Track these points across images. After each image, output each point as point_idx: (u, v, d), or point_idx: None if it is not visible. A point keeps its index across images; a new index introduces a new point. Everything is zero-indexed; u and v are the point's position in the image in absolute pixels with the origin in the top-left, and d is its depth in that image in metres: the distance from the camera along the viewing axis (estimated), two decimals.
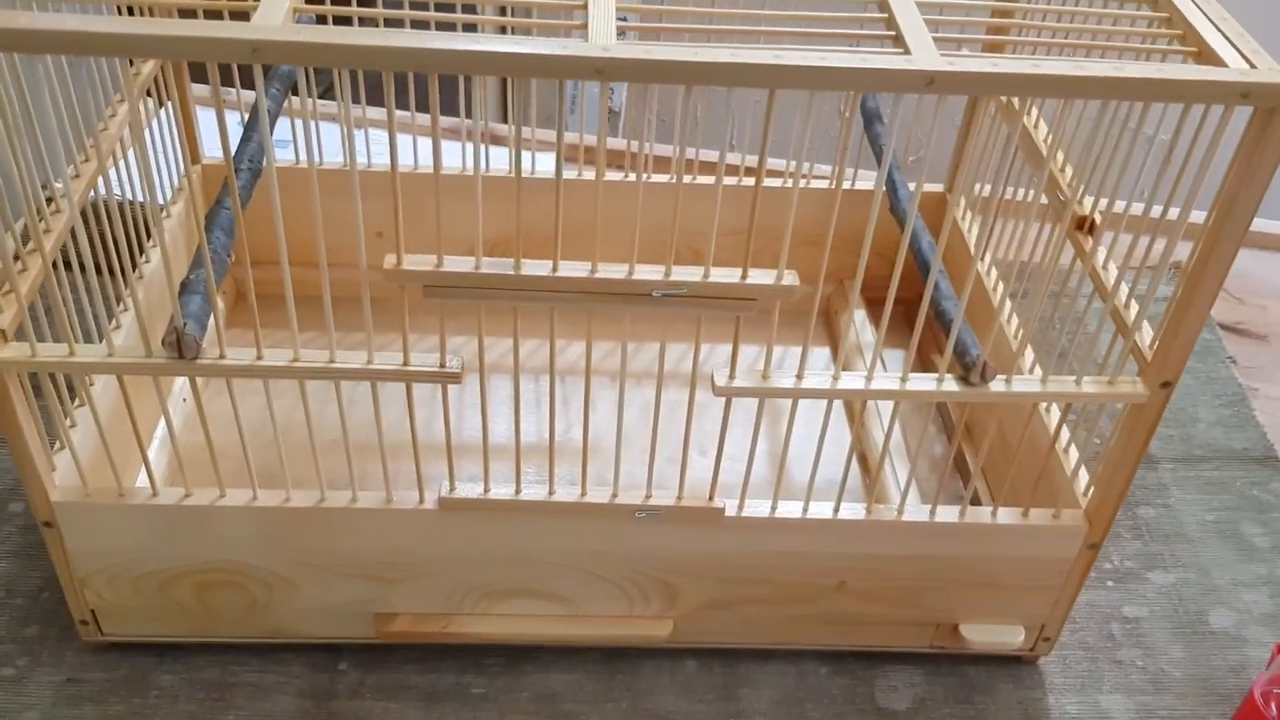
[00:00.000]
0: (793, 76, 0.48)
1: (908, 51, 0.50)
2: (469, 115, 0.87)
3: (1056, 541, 0.67)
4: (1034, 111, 0.75)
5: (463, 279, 0.54)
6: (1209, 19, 0.54)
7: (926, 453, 0.85)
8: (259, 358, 0.57)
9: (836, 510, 0.65)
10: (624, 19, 0.58)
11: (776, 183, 0.88)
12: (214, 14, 0.56)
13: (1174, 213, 0.56)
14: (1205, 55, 0.52)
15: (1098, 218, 0.66)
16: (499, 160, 1.01)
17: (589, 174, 0.91)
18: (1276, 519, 0.85)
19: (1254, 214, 0.52)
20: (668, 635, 0.70)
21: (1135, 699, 0.72)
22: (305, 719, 0.68)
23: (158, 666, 0.70)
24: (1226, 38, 0.52)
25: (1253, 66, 0.50)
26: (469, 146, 0.88)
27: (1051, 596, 0.69)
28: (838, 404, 0.86)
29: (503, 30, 0.54)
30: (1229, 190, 0.52)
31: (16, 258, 0.58)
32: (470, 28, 0.53)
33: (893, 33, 0.52)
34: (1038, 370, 0.73)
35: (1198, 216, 0.55)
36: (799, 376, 0.59)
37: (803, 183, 0.88)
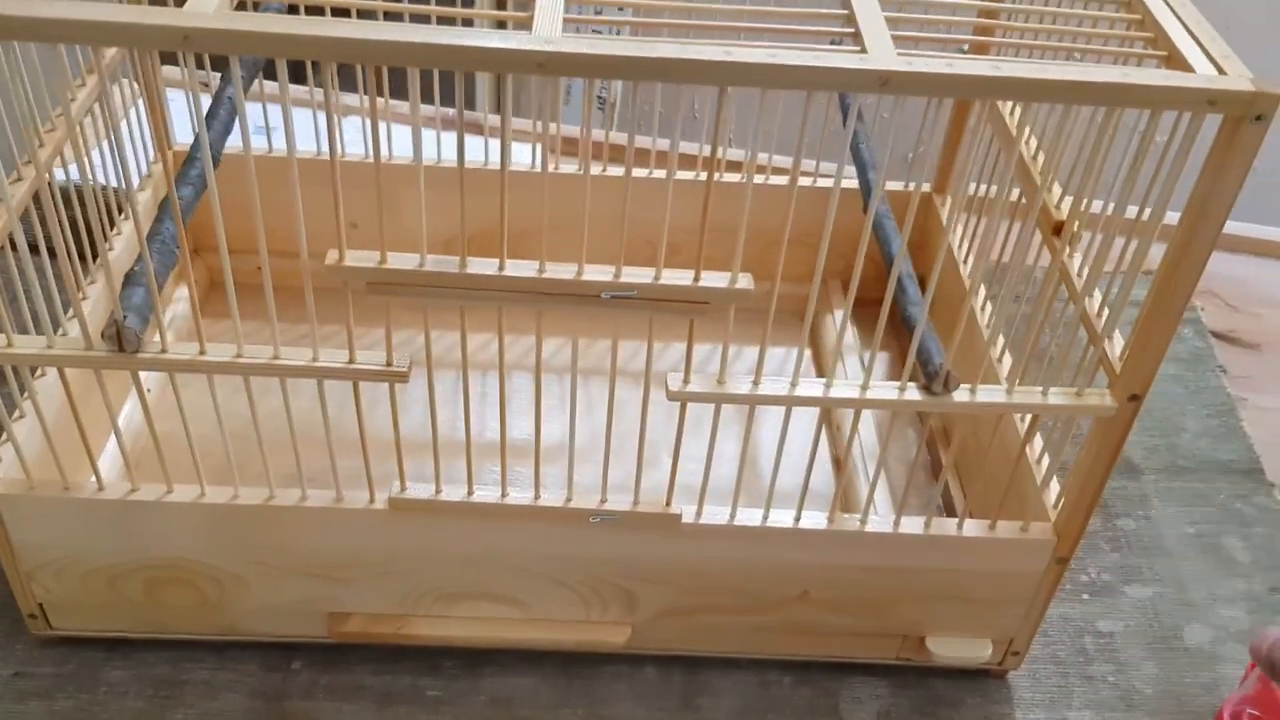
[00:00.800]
0: (744, 74, 0.46)
1: (864, 50, 0.48)
2: (466, 104, 0.85)
3: (1024, 555, 0.65)
4: (1017, 111, 0.73)
5: (407, 277, 0.52)
6: (1181, 21, 0.52)
7: (903, 455, 0.83)
8: (201, 352, 0.56)
9: (797, 519, 0.64)
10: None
11: (760, 179, 0.87)
12: None
13: (1150, 234, 0.55)
14: (1175, 59, 0.50)
15: (1072, 224, 0.64)
16: (475, 151, 0.98)
17: (568, 167, 0.90)
18: (1259, 534, 0.83)
19: (1224, 222, 0.50)
20: (625, 641, 0.69)
21: (1105, 715, 0.71)
22: (256, 718, 0.67)
23: (108, 662, 0.69)
24: (1198, 41, 0.50)
25: (1222, 72, 0.48)
26: (442, 135, 0.86)
27: (1020, 610, 0.68)
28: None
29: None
30: (1198, 197, 0.50)
31: None
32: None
33: (851, 30, 0.50)
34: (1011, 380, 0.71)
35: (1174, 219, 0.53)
36: (755, 382, 0.58)
37: (761, 179, 0.87)
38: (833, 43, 0.50)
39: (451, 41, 0.46)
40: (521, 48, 0.45)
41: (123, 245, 0.77)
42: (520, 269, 0.53)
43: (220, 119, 0.71)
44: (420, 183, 0.51)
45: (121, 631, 0.69)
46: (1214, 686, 0.73)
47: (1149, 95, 0.47)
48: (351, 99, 0.91)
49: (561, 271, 0.53)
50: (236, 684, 0.69)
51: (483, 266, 0.53)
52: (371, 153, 0.86)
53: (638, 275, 0.53)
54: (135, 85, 0.79)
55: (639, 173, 0.87)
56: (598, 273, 0.53)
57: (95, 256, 0.75)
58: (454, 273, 0.52)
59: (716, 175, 0.51)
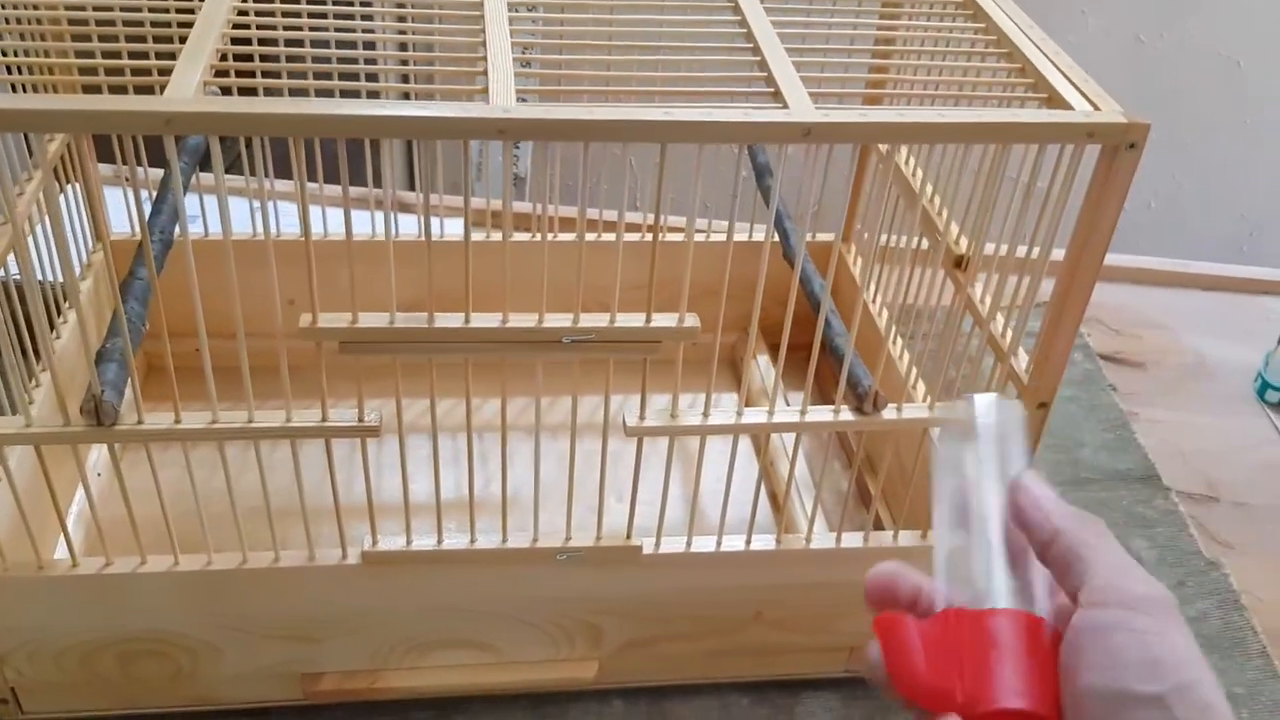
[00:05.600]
0: (682, 131, 0.51)
1: (786, 106, 0.54)
2: (378, 185, 0.89)
3: None
4: (912, 161, 0.80)
5: (378, 334, 0.56)
6: (1057, 67, 0.59)
7: (833, 485, 0.88)
8: (177, 421, 0.59)
9: (748, 542, 0.68)
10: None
11: (679, 237, 0.92)
12: (119, 89, 0.58)
13: (1044, 259, 0.61)
14: (1055, 100, 0.57)
15: (972, 255, 0.70)
16: (407, 226, 1.03)
17: (495, 236, 0.94)
18: (1160, 533, 0.90)
19: (1108, 243, 0.57)
20: (593, 676, 0.72)
21: None
22: None
23: None
24: (1073, 83, 0.57)
25: (1097, 109, 0.55)
26: (378, 214, 0.90)
27: None
28: (746, 444, 0.89)
29: (406, 95, 0.57)
30: (1084, 222, 0.57)
31: None
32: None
33: (772, 90, 0.56)
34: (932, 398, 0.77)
35: (1063, 256, 0.60)
36: (705, 415, 0.62)
37: (701, 237, 0.93)
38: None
39: (420, 114, 0.50)
40: (485, 116, 0.50)
41: (68, 334, 0.79)
42: (485, 320, 0.57)
43: (167, 208, 0.74)
44: (390, 255, 0.55)
45: (95, 710, 0.70)
46: None
47: (1037, 132, 0.54)
48: (283, 185, 0.94)
49: (524, 321, 0.57)
50: None
51: (449, 320, 0.57)
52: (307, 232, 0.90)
53: (594, 320, 0.57)
54: (62, 180, 0.81)
55: (564, 237, 0.92)
56: (557, 320, 0.57)
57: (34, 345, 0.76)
58: (423, 328, 0.56)
59: (640, 236, 0.56)
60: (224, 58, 0.57)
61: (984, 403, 0.44)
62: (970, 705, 0.38)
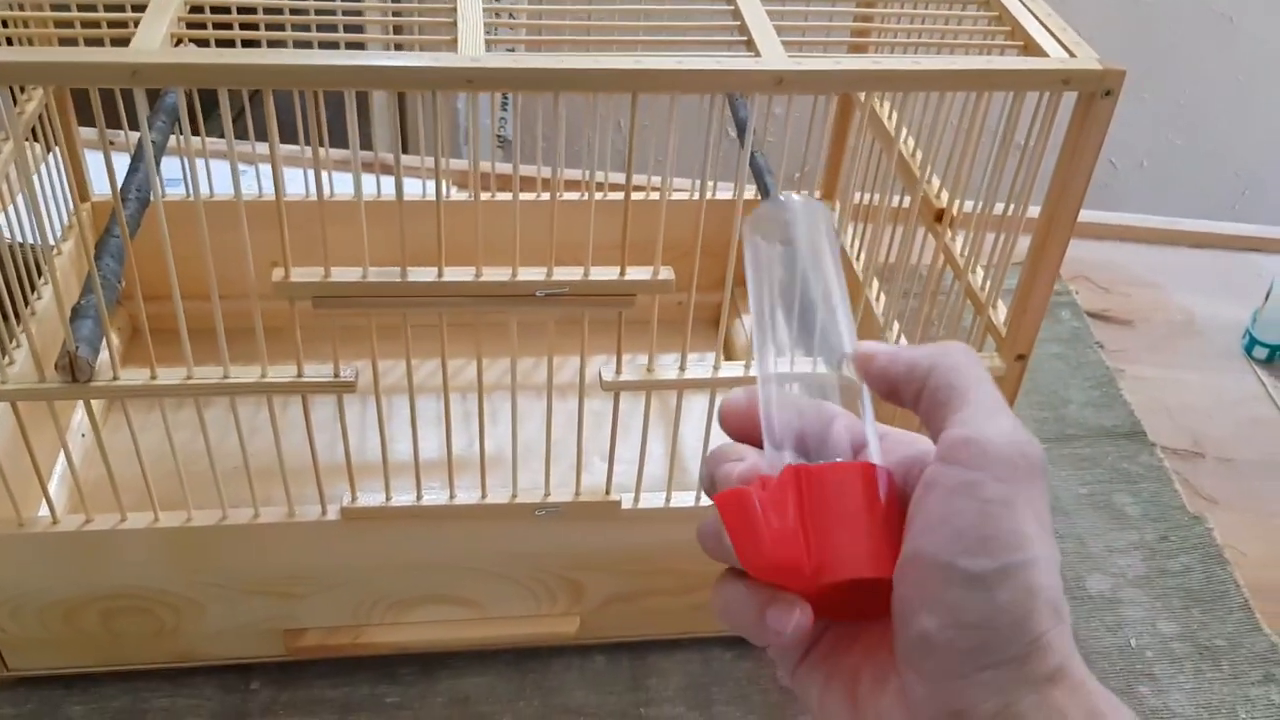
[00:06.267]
0: (651, 80, 0.51)
1: (759, 54, 0.53)
2: (365, 146, 0.89)
3: None
4: (894, 116, 0.80)
5: (351, 288, 0.56)
6: (1034, 15, 0.58)
7: None
8: (153, 377, 0.58)
9: None
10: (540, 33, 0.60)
11: (655, 197, 0.92)
12: (96, 41, 0.57)
13: (1023, 209, 0.61)
14: (1031, 48, 0.56)
15: (951, 208, 0.70)
16: (392, 189, 1.02)
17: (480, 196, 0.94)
18: (1145, 489, 0.91)
19: (1084, 192, 0.57)
20: (575, 631, 0.72)
21: None
22: None
23: (67, 698, 0.70)
24: (1050, 31, 0.57)
25: (1073, 55, 0.55)
26: (364, 175, 0.90)
27: None
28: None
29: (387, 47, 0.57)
30: (1060, 171, 0.57)
31: None
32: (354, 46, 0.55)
33: (745, 38, 0.55)
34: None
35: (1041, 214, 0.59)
36: (682, 369, 0.62)
37: (684, 196, 0.92)
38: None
39: (387, 64, 0.50)
40: (452, 65, 0.50)
41: (50, 295, 0.79)
42: (458, 274, 0.57)
43: (144, 167, 0.73)
44: (361, 207, 0.54)
45: (79, 666, 0.70)
46: (1117, 628, 0.79)
47: (1012, 79, 0.53)
48: (258, 147, 0.94)
49: (497, 275, 0.57)
50: (197, 709, 0.70)
51: (422, 274, 0.56)
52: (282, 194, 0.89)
53: (568, 274, 0.57)
54: (44, 145, 0.81)
55: (546, 197, 0.92)
56: (531, 274, 0.57)
57: (26, 304, 0.76)
58: (396, 282, 0.56)
59: (617, 195, 0.56)
60: (198, 10, 0.56)
61: (794, 205, 0.38)
62: (818, 575, 0.35)
